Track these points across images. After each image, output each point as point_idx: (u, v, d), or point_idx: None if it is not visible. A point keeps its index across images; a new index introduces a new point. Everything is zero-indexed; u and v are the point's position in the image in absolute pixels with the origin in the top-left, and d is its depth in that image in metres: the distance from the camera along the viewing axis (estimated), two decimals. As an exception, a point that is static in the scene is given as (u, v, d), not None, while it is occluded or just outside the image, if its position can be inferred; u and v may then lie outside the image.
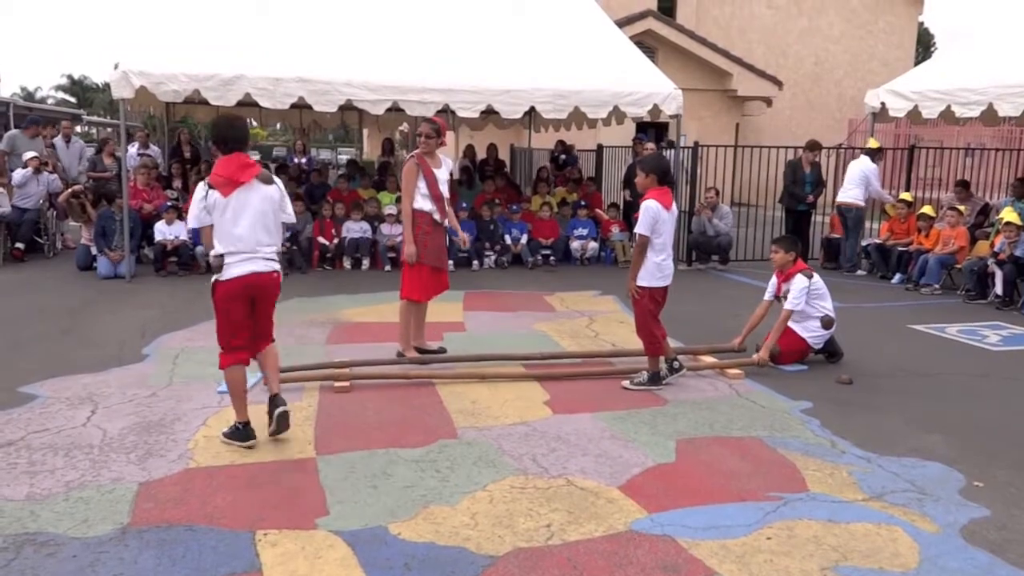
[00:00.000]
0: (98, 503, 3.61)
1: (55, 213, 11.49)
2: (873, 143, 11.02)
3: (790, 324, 6.12)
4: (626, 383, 5.58)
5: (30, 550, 3.19)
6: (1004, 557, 3.29)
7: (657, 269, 5.42)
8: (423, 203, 5.90)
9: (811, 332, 6.17)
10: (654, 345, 5.56)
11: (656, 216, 5.32)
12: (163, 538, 3.30)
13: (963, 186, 11.09)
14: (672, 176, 5.75)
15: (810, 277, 6.14)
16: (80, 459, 4.10)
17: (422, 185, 5.87)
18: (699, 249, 11.36)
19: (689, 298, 8.86)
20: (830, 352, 6.33)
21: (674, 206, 5.50)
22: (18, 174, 10.70)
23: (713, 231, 11.16)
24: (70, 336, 6.66)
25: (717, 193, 11.31)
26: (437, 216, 5.99)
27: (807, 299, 6.10)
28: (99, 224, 9.71)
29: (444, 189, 6.01)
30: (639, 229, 5.37)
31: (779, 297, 6.30)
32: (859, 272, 10.86)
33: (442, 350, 6.21)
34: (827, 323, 6.17)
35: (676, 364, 5.69)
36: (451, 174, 6.09)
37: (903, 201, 10.66)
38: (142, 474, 3.93)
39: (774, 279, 6.37)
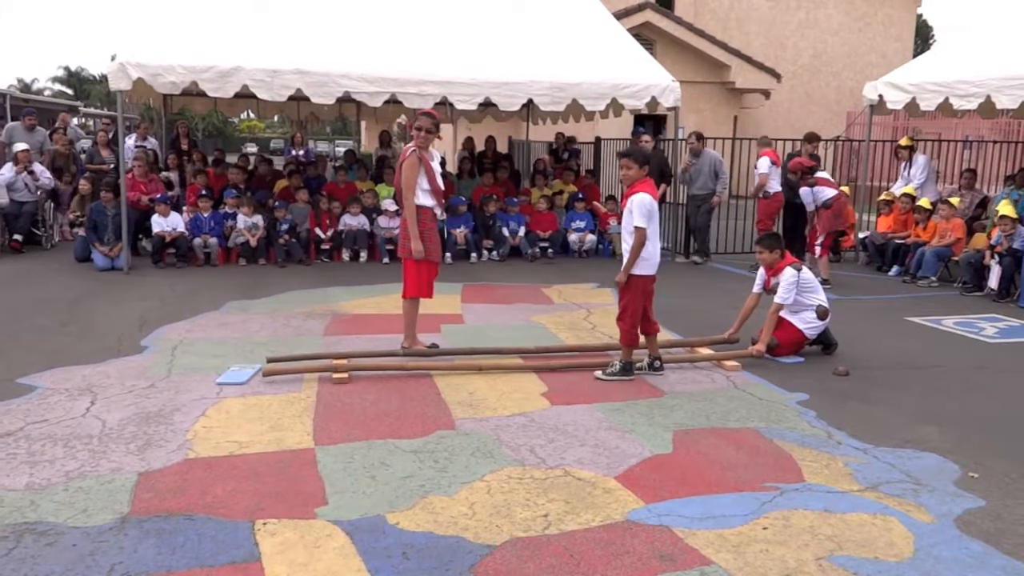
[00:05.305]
0: (98, 493, 3.63)
1: (52, 205, 11.48)
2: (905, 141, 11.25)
3: (787, 316, 6.16)
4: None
5: (30, 539, 3.20)
6: (999, 547, 3.31)
7: (648, 257, 5.48)
8: (425, 199, 5.88)
9: (807, 323, 6.19)
10: (631, 335, 5.59)
11: (651, 208, 5.43)
12: (162, 527, 3.32)
13: (971, 174, 10.97)
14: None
15: (799, 270, 6.18)
16: (79, 449, 4.12)
17: (423, 180, 5.84)
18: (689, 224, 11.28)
19: (686, 291, 8.88)
20: (824, 343, 6.36)
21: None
22: (6, 170, 10.58)
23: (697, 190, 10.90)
24: (69, 328, 6.67)
25: (699, 138, 11.00)
26: (437, 211, 6.03)
27: (798, 291, 6.13)
28: (90, 217, 9.69)
29: (440, 182, 6.02)
30: (639, 223, 5.38)
31: (767, 290, 6.33)
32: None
33: (434, 346, 6.15)
34: (822, 313, 6.19)
35: (657, 363, 5.71)
36: (442, 164, 6.13)
37: (907, 195, 10.68)
38: (141, 464, 3.95)
39: (762, 272, 6.42)
